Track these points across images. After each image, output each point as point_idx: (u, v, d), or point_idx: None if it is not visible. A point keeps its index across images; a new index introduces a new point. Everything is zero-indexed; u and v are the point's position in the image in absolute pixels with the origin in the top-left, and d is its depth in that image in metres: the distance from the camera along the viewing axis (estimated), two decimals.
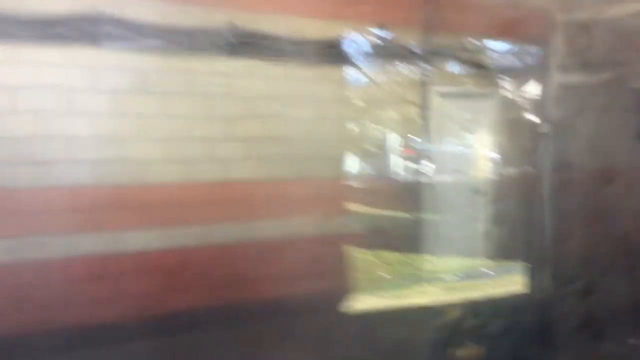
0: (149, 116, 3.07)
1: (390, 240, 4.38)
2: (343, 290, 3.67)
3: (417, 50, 3.72)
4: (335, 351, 2.91)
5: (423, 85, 3.91)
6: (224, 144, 3.28)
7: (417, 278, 4.19)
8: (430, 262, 4.32)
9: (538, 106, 3.58)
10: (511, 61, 4.00)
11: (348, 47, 3.49)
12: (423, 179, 4.30)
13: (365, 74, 3.70)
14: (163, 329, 2.90)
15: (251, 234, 3.35)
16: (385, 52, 3.63)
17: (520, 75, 3.91)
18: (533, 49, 3.81)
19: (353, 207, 3.92)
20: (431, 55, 3.74)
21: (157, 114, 3.09)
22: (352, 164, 3.92)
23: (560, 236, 3.12)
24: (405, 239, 4.37)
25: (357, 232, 3.93)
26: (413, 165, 4.44)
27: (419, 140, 4.28)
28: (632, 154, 3.21)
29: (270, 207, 3.40)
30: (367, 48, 3.57)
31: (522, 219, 3.70)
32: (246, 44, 3.11)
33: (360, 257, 4.09)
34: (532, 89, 3.79)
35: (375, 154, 4.32)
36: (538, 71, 3.60)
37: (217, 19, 3.12)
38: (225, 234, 3.30)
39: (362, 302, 3.73)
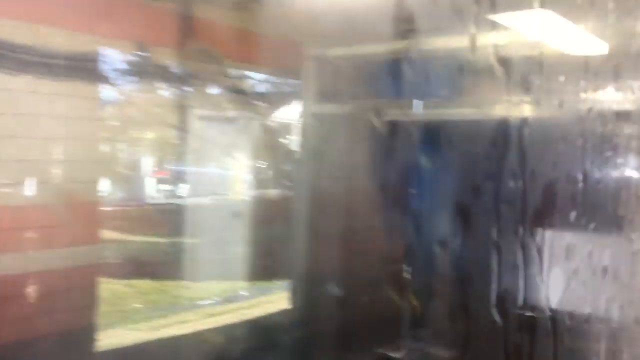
0: None
1: (145, 268, 4.19)
2: (94, 325, 3.39)
3: (176, 72, 3.66)
4: None
5: (181, 108, 3.85)
6: None
7: (174, 306, 4.06)
8: (188, 288, 4.23)
9: (293, 133, 3.81)
10: (268, 89, 4.18)
11: (102, 64, 3.26)
12: (180, 203, 4.21)
13: (121, 93, 3.50)
14: None
15: None
16: (142, 72, 3.49)
17: (277, 102, 4.12)
18: (288, 79, 4.05)
19: (106, 234, 3.66)
20: (190, 78, 3.71)
21: None
22: (106, 188, 3.66)
23: (316, 254, 3.34)
24: (161, 265, 4.22)
25: (110, 261, 3.68)
26: (169, 189, 4.33)
27: (177, 163, 4.20)
28: (372, 179, 3.59)
29: (10, 237, 2.99)
30: (124, 66, 3.39)
31: (279, 239, 3.87)
32: None
33: (114, 288, 3.83)
34: (288, 116, 4.02)
35: (131, 176, 4.10)
36: (293, 100, 3.84)
37: None
38: None
39: (117, 337, 3.49)
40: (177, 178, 4.26)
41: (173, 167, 4.36)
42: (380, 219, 3.34)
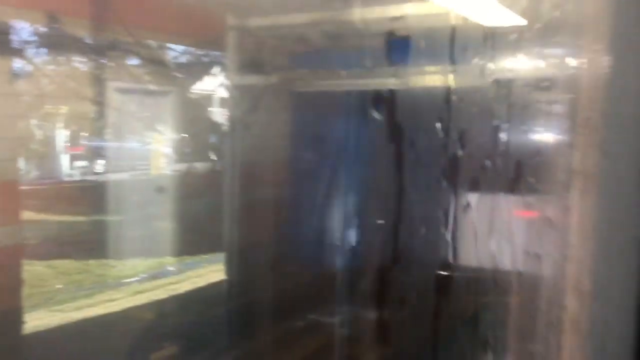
0: None
1: (66, 248, 4.06)
2: (18, 308, 3.27)
3: (91, 44, 3.50)
4: None
5: (98, 80, 3.70)
6: None
7: (99, 285, 3.97)
8: (113, 266, 4.13)
9: (217, 105, 3.76)
10: (190, 60, 4.08)
11: (12, 36, 3.08)
12: (99, 179, 4.08)
13: (33, 67, 3.32)
14: None
15: None
16: (55, 44, 3.32)
17: (199, 74, 4.03)
18: (210, 50, 3.97)
19: (22, 214, 3.50)
20: (107, 50, 3.57)
21: None
22: (19, 166, 3.48)
23: (246, 227, 3.35)
24: (83, 244, 4.10)
25: (29, 242, 3.54)
26: (87, 165, 4.18)
27: (94, 138, 4.05)
28: (296, 151, 3.63)
29: None
30: (35, 38, 3.21)
31: (206, 213, 3.84)
32: None
33: (34, 270, 3.69)
34: (211, 88, 3.96)
35: (46, 153, 3.93)
36: (216, 71, 3.78)
37: None
38: None
39: (41, 319, 3.39)
40: (95, 154, 4.12)
41: (90, 143, 4.21)
42: (309, 189, 3.40)
